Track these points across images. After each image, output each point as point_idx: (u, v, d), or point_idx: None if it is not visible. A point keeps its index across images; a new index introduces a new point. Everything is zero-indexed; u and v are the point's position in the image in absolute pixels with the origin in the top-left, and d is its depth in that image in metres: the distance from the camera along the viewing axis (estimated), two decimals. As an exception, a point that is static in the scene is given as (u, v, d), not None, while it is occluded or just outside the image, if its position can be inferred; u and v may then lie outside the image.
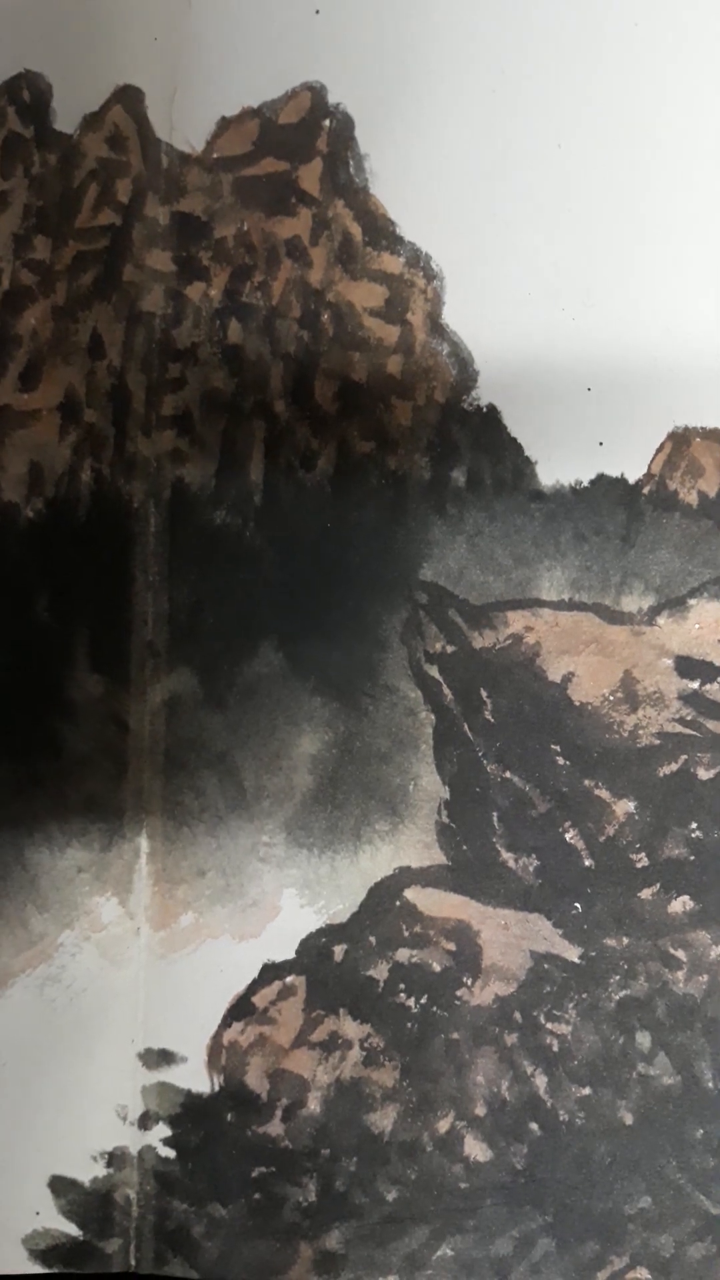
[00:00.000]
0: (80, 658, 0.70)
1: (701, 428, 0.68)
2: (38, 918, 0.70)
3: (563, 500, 0.69)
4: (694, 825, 0.68)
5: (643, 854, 0.68)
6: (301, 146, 0.70)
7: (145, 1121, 0.69)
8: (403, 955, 0.69)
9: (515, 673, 0.69)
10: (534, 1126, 0.68)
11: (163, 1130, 0.69)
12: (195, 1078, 0.69)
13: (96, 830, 0.70)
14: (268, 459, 0.70)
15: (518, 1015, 0.68)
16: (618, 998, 0.68)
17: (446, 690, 0.69)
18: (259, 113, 0.70)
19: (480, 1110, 0.68)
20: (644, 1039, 0.68)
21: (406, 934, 0.69)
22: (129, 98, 0.71)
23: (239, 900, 0.69)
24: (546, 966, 0.68)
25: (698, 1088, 0.67)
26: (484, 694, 0.69)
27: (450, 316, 0.69)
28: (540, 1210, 0.68)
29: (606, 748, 0.68)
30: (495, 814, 0.68)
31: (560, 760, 0.68)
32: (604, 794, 0.68)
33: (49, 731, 0.70)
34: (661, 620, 0.68)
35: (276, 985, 0.69)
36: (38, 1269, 0.69)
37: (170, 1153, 0.69)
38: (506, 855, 0.68)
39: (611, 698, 0.68)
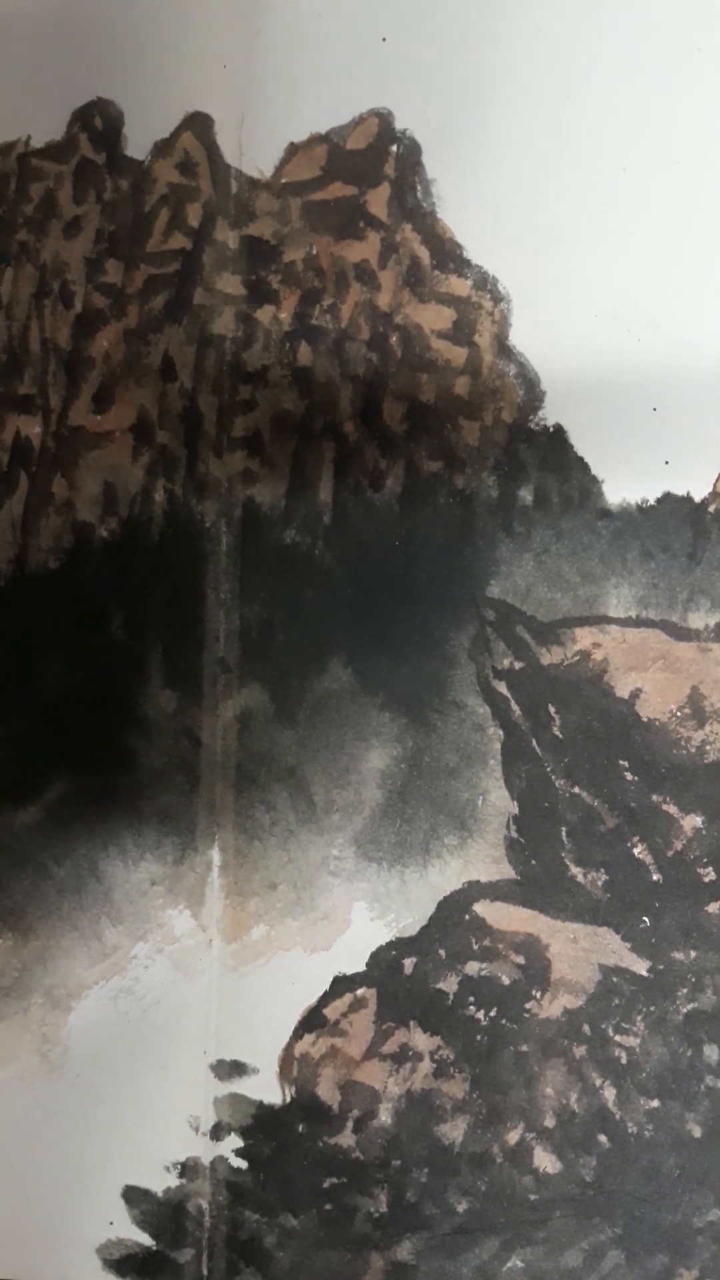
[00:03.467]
0: (154, 674, 0.71)
1: (767, 446, 0.69)
2: (111, 930, 0.71)
3: (629, 518, 0.70)
4: (761, 840, 0.68)
5: (710, 868, 0.69)
6: (369, 171, 0.71)
7: (217, 1132, 0.70)
8: (472, 968, 0.69)
9: (583, 689, 0.69)
10: (603, 1138, 0.69)
11: (235, 1141, 0.70)
12: (267, 1089, 0.70)
13: (169, 843, 0.71)
14: (337, 479, 0.71)
15: (586, 1028, 0.69)
16: (686, 1010, 0.68)
17: (515, 706, 0.70)
18: (327, 138, 0.72)
19: (549, 1122, 0.69)
20: (712, 1051, 0.68)
21: (476, 947, 0.69)
22: (199, 124, 0.72)
23: (310, 913, 0.70)
24: (615, 980, 0.69)
25: (766, 1101, 0.68)
26: (552, 710, 0.69)
27: (517, 338, 0.70)
28: (609, 1222, 0.68)
29: (674, 763, 0.69)
30: (564, 829, 0.69)
31: (628, 776, 0.69)
32: (672, 809, 0.69)
33: (123, 746, 0.71)
34: (727, 637, 0.69)
35: (348, 997, 0.70)
36: (111, 1279, 0.70)
37: (242, 1163, 0.70)
38: (575, 870, 0.69)
39: (679, 713, 0.69)
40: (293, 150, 0.72)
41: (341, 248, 0.71)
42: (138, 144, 0.73)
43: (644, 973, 0.69)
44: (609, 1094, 0.69)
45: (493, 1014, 0.69)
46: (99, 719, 0.71)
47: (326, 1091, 0.70)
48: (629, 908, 0.69)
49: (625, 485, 0.70)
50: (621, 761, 0.69)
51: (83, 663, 0.71)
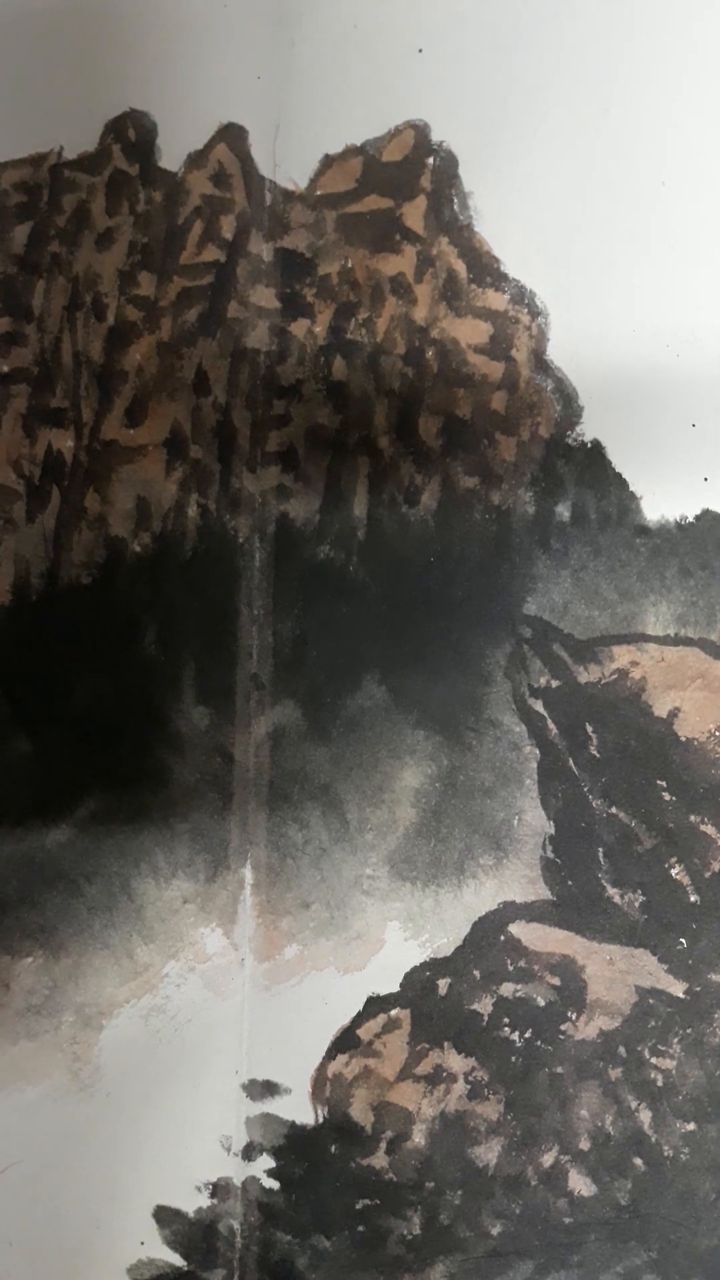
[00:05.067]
0: (187, 690, 0.70)
1: None
2: (143, 948, 0.70)
3: (668, 535, 0.69)
4: None
5: (748, 889, 0.68)
6: (405, 184, 0.71)
7: (249, 1152, 0.70)
8: (507, 989, 0.69)
9: (621, 708, 0.69)
10: (638, 1162, 0.68)
11: (267, 1161, 0.70)
12: (299, 1109, 0.69)
13: (202, 861, 0.70)
14: (371, 494, 0.70)
15: (622, 1050, 0.68)
16: (723, 1033, 0.68)
17: (551, 725, 0.69)
18: (362, 150, 0.71)
19: (584, 1145, 0.68)
20: (749, 1075, 0.68)
21: (511, 968, 0.69)
22: (233, 135, 0.72)
23: (343, 933, 0.69)
24: (651, 1001, 0.68)
25: None
26: (589, 729, 0.69)
27: (555, 352, 0.70)
28: (645, 1246, 0.68)
29: (713, 783, 0.68)
30: (600, 849, 0.68)
31: (666, 796, 0.68)
32: (710, 829, 0.68)
33: (155, 763, 0.70)
34: (766, 655, 0.69)
35: (381, 1018, 0.69)
36: (142, 1298, 0.70)
37: (274, 1184, 0.69)
38: (612, 891, 0.68)
39: (718, 733, 0.68)
40: (328, 162, 0.71)
41: (377, 261, 0.71)
42: (171, 155, 0.72)
43: (681, 994, 0.68)
44: (644, 1117, 0.68)
45: (528, 1035, 0.69)
46: (131, 735, 0.70)
47: (359, 1112, 0.69)
48: (666, 929, 0.68)
49: (664, 502, 0.69)
50: (659, 781, 0.68)
51: (115, 678, 0.71)
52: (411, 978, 0.69)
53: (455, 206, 0.70)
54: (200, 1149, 0.70)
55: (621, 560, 0.69)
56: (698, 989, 0.68)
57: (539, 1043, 0.69)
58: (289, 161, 0.71)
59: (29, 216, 0.72)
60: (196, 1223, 0.70)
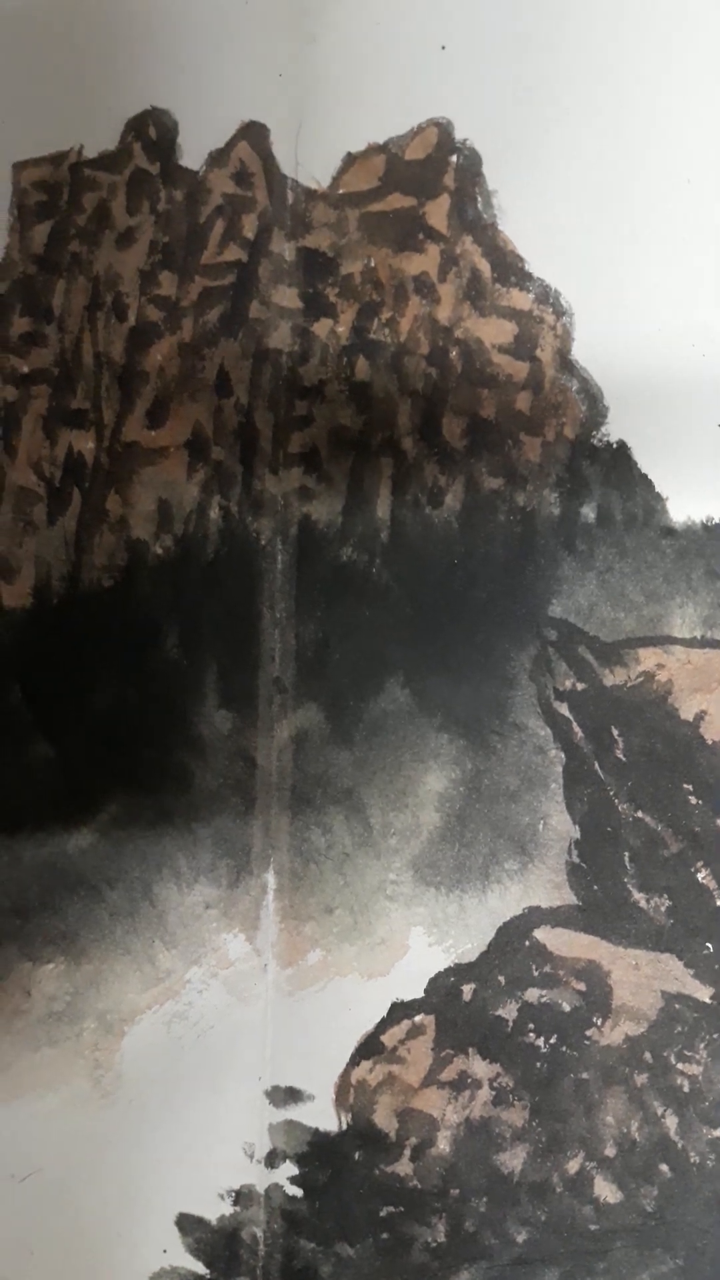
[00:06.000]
0: (209, 694, 0.70)
1: None
2: (165, 954, 0.70)
3: (694, 537, 0.68)
4: None
5: (775, 894, 0.67)
6: (429, 182, 0.70)
7: (272, 1159, 0.69)
8: (532, 995, 0.68)
9: (647, 711, 0.68)
10: (664, 1168, 0.68)
11: (290, 1169, 0.69)
12: (323, 1116, 0.69)
13: (224, 866, 0.70)
14: (395, 496, 0.70)
15: (648, 1055, 0.68)
16: (750, 1039, 0.67)
17: (577, 728, 0.69)
18: (385, 149, 0.70)
19: (610, 1151, 0.68)
20: (777, 1081, 0.67)
21: (536, 974, 0.68)
22: (254, 134, 0.71)
23: (367, 938, 0.69)
24: (678, 1006, 0.68)
25: None
26: (615, 732, 0.68)
27: (580, 352, 0.69)
28: (671, 1253, 0.67)
29: (740, 787, 0.67)
30: (627, 854, 0.68)
31: (693, 800, 0.68)
32: (737, 834, 0.67)
33: (177, 767, 0.70)
34: None
35: (405, 1024, 0.69)
36: (164, 1306, 0.69)
37: (297, 1191, 0.69)
38: (638, 895, 0.68)
39: (745, 737, 0.68)
40: (350, 160, 0.71)
41: (400, 260, 0.70)
42: (192, 154, 0.71)
43: (707, 999, 0.67)
44: (671, 1123, 0.68)
45: (553, 1041, 0.68)
46: (153, 739, 0.70)
47: (384, 1119, 0.69)
48: (692, 934, 0.68)
49: (690, 503, 0.68)
50: (685, 785, 0.68)
51: (136, 682, 0.70)
52: (436, 983, 0.69)
53: (479, 205, 0.70)
54: (223, 1156, 0.69)
55: (647, 562, 0.69)
56: (725, 994, 0.67)
57: (564, 1048, 0.68)
58: (311, 160, 0.71)
59: (49, 215, 0.72)
60: (219, 1230, 0.69)
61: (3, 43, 0.71)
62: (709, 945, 0.67)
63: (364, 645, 0.70)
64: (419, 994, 0.69)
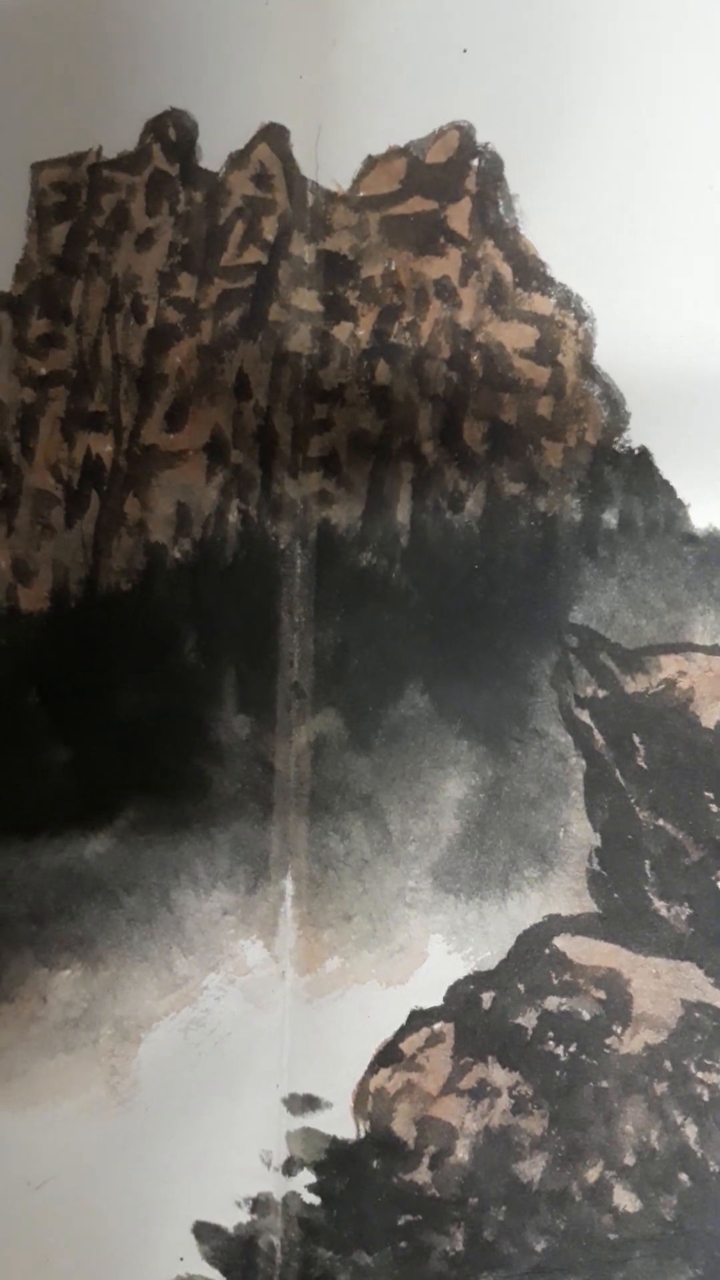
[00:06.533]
0: (227, 698, 0.69)
1: None
2: (183, 960, 0.69)
3: (716, 544, 0.68)
4: None
5: None
6: (450, 186, 0.70)
7: (290, 1167, 0.69)
8: (552, 1003, 0.68)
9: (668, 718, 0.68)
10: (684, 1177, 0.67)
11: (307, 1176, 0.69)
12: (341, 1124, 0.68)
13: (242, 872, 0.69)
14: (415, 500, 0.69)
15: (668, 1064, 0.67)
16: (770, 1048, 0.67)
17: (598, 735, 0.68)
18: (406, 151, 0.70)
19: (629, 1160, 0.67)
20: None
21: (556, 982, 0.68)
22: (274, 136, 0.70)
23: (385, 946, 0.69)
24: (698, 1015, 0.67)
25: None
26: (636, 740, 0.68)
27: (602, 358, 0.69)
28: (690, 1263, 0.67)
29: (762, 795, 0.67)
30: (647, 862, 0.68)
31: (714, 808, 0.67)
32: (758, 842, 0.67)
33: (196, 772, 0.69)
34: None
35: (424, 1032, 0.68)
36: (180, 1314, 0.69)
37: (315, 1199, 0.69)
38: (658, 903, 0.68)
39: (767, 745, 0.67)
40: (371, 163, 0.70)
41: (421, 264, 0.70)
42: (212, 155, 0.71)
43: (727, 1009, 0.67)
44: (690, 1132, 0.67)
45: (572, 1049, 0.68)
46: (171, 744, 0.69)
47: (402, 1127, 0.68)
48: (713, 942, 0.67)
49: (712, 509, 0.68)
50: (707, 793, 0.67)
51: (154, 686, 0.70)
52: (455, 991, 0.68)
53: (501, 209, 0.69)
54: (240, 1164, 0.69)
55: (669, 569, 0.68)
56: (745, 1003, 0.67)
57: (584, 1057, 0.68)
58: (331, 162, 0.70)
59: (67, 217, 0.71)
60: (236, 1239, 0.69)
61: (22, 43, 0.71)
62: (729, 953, 0.67)
63: (383, 650, 0.69)
64: (438, 1002, 0.68)
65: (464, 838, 0.69)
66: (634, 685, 0.68)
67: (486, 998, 0.68)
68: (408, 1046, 0.68)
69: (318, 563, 0.70)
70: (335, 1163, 0.68)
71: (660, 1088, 0.67)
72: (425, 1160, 0.68)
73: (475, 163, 0.70)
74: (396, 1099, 0.68)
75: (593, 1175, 0.68)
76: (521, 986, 0.68)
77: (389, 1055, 0.68)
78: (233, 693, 0.69)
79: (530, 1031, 0.68)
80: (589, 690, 0.68)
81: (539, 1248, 0.67)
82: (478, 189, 0.70)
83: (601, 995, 0.68)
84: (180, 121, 0.71)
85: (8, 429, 0.71)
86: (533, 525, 0.69)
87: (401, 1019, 0.68)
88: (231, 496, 0.70)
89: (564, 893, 0.68)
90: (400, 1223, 0.68)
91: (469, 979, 0.68)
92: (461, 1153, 0.68)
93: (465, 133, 0.70)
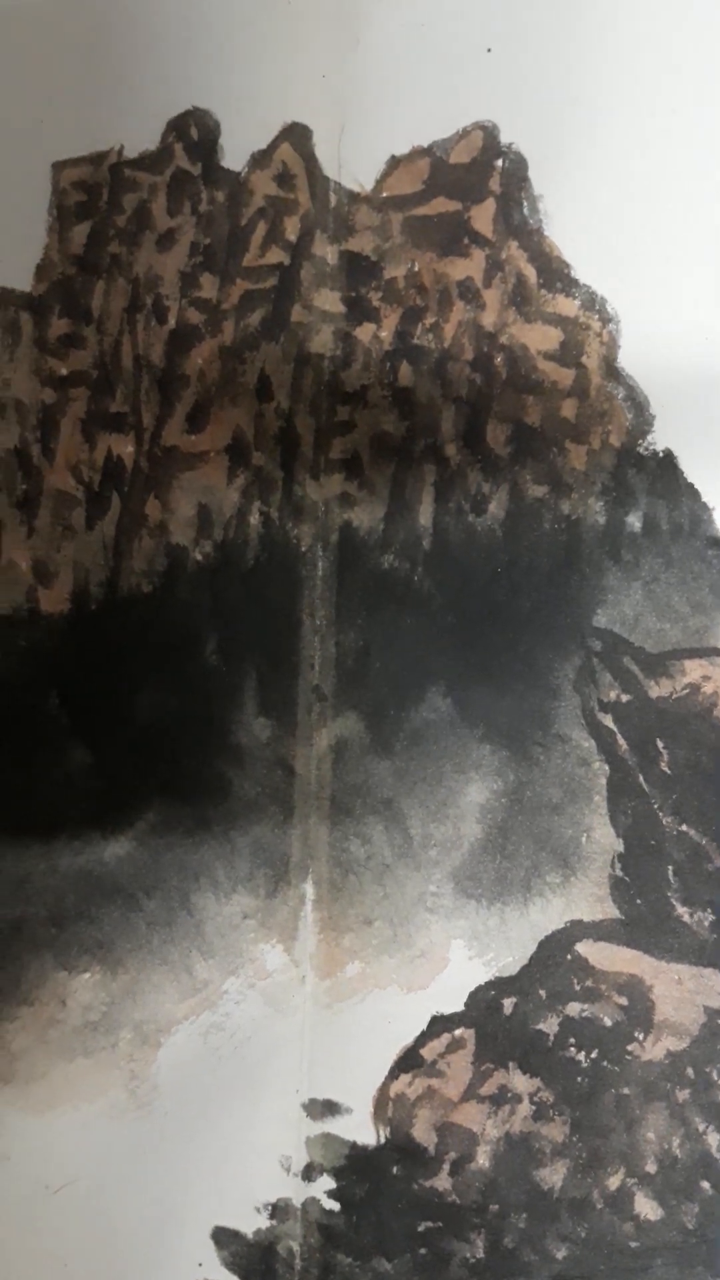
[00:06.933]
0: (248, 701, 0.69)
1: None
2: (202, 964, 0.69)
3: (741, 548, 0.68)
4: None
5: None
6: (474, 186, 0.69)
7: (309, 1173, 0.68)
8: (573, 1009, 0.67)
9: (692, 723, 0.67)
10: (705, 1185, 0.67)
11: (327, 1182, 0.68)
12: (360, 1129, 0.68)
13: (262, 876, 0.69)
14: (437, 503, 0.69)
15: (690, 1071, 0.67)
16: None
17: (621, 740, 0.68)
18: (429, 151, 0.70)
19: (651, 1167, 0.67)
20: None
21: (577, 988, 0.67)
22: (297, 135, 0.70)
23: (406, 950, 0.68)
24: (720, 1023, 0.67)
25: None
26: (660, 745, 0.67)
27: (626, 360, 0.68)
28: (712, 1272, 0.67)
29: (786, 801, 0.67)
30: (670, 867, 0.67)
31: (738, 813, 0.67)
32: (783, 848, 0.67)
33: (216, 775, 0.69)
34: None
35: (445, 1038, 0.68)
36: (198, 1320, 0.68)
37: (334, 1205, 0.68)
38: (682, 909, 0.67)
39: None
40: (394, 163, 0.70)
41: (444, 265, 0.69)
42: (234, 155, 0.71)
43: (750, 1016, 0.67)
44: (713, 1139, 0.67)
45: (594, 1056, 0.67)
46: (191, 747, 0.69)
47: (422, 1133, 0.68)
48: (736, 949, 0.67)
49: (737, 513, 0.68)
50: (731, 798, 0.67)
51: (175, 689, 0.69)
52: (476, 997, 0.68)
53: (525, 210, 0.69)
54: (259, 1169, 0.68)
55: (694, 572, 0.68)
56: (768, 1010, 0.67)
57: (605, 1063, 0.67)
58: (354, 162, 0.70)
59: (88, 216, 0.71)
60: (255, 1244, 0.68)
61: (43, 41, 0.70)
62: (753, 960, 0.67)
63: (405, 654, 0.69)
64: (459, 1007, 0.68)
65: (486, 842, 0.68)
66: (658, 690, 0.68)
67: (508, 1003, 0.68)
68: (428, 1052, 0.68)
69: (339, 565, 0.69)
70: (355, 1168, 0.68)
71: (682, 1095, 0.67)
72: (446, 1166, 0.68)
73: (499, 163, 0.69)
74: (417, 1105, 0.68)
75: (614, 1182, 0.67)
76: (543, 992, 0.68)
77: (409, 1061, 0.68)
78: (253, 695, 0.69)
79: (552, 1038, 0.67)
80: (612, 695, 0.68)
81: (560, 1255, 0.67)
82: (502, 189, 0.69)
83: (623, 1001, 0.67)
84: (202, 121, 0.70)
85: (28, 429, 0.70)
86: (556, 528, 0.68)
87: (422, 1024, 0.68)
88: (253, 498, 0.70)
89: (586, 898, 0.68)
90: (420, 1229, 0.68)
91: (490, 984, 0.68)
92: (482, 1159, 0.68)
93: (489, 133, 0.69)
